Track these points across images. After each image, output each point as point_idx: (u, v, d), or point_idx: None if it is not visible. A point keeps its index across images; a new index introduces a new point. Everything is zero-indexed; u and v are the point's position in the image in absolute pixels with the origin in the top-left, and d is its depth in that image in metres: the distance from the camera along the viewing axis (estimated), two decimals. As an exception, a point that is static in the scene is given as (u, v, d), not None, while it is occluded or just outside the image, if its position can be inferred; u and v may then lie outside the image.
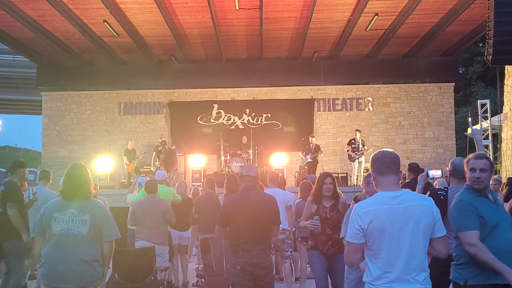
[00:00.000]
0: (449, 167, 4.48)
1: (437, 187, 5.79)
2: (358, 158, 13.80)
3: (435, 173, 5.89)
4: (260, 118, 16.62)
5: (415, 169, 7.18)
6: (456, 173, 4.41)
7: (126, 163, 14.47)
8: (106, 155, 14.48)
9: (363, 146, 13.84)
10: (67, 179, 3.89)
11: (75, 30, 13.46)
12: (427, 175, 5.25)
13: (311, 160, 13.76)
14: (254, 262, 4.26)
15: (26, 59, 17.67)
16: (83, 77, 17.00)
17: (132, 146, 14.74)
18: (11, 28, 13.88)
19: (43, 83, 17.32)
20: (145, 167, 15.07)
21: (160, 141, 14.17)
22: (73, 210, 3.76)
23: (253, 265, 4.26)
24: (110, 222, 3.89)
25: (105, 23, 13.02)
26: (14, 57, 19.98)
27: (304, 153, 14.06)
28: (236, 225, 4.29)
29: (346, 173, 14.28)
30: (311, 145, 14.04)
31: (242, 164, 13.81)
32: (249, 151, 14.22)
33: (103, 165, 14.17)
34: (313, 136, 14.40)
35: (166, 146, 13.94)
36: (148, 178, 8.55)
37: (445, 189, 4.39)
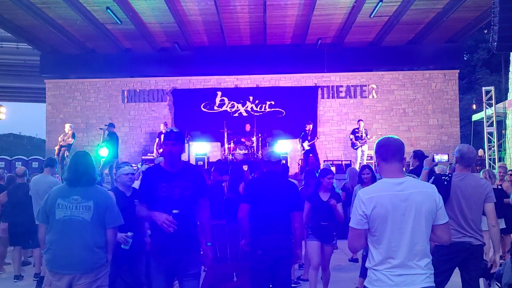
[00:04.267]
0: (456, 153, 4.46)
1: (437, 173, 5.78)
2: (361, 146, 13.79)
3: (441, 158, 5.80)
4: (263, 105, 16.60)
5: (420, 156, 7.14)
6: (463, 160, 4.38)
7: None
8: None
9: (366, 135, 13.84)
10: (72, 166, 3.91)
11: (78, 17, 13.44)
12: (433, 160, 5.20)
13: (308, 147, 13.72)
14: (275, 245, 4.33)
15: (30, 47, 17.68)
16: (86, 64, 17.03)
17: (69, 129, 14.13)
18: (14, 16, 13.88)
19: (47, 71, 17.33)
20: (148, 154, 15.16)
21: (164, 130, 14.22)
22: (77, 197, 3.78)
23: (274, 248, 4.33)
24: (113, 209, 3.91)
25: (108, 10, 13.00)
26: (17, 45, 19.93)
27: (300, 141, 14.00)
28: (259, 208, 4.35)
29: (350, 161, 14.28)
30: (307, 131, 13.94)
31: (245, 152, 13.84)
32: (253, 139, 14.22)
33: (106, 152, 14.16)
34: (309, 123, 14.22)
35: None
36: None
37: (449, 175, 4.38)
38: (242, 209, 4.45)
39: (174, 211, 3.59)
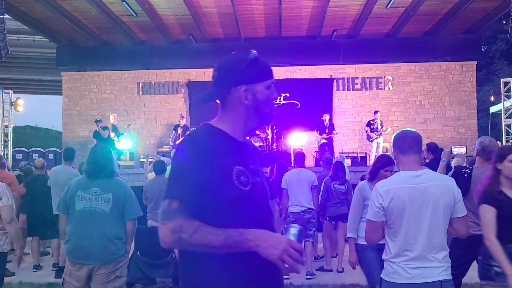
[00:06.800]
0: (477, 146, 4.41)
1: (457, 165, 5.72)
2: (376, 138, 13.72)
3: (459, 150, 5.66)
4: (278, 97, 16.54)
5: (434, 149, 7.07)
6: (484, 152, 4.34)
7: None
8: (125, 134, 14.62)
9: (382, 127, 13.75)
10: (91, 158, 3.96)
11: (94, 9, 13.51)
12: (451, 152, 5.13)
13: (325, 140, 13.68)
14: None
15: (46, 40, 17.80)
16: (102, 57, 17.13)
17: (114, 120, 14.45)
18: (31, 9, 13.99)
19: (63, 63, 17.46)
20: (164, 146, 15.22)
21: (182, 124, 14.32)
22: (96, 189, 3.83)
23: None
24: (132, 201, 3.96)
25: (124, 2, 13.03)
26: (33, 38, 20.07)
27: (318, 132, 13.99)
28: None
29: (365, 153, 14.20)
30: (325, 123, 13.90)
31: (260, 144, 13.84)
32: (268, 131, 14.20)
33: (122, 144, 14.30)
34: (326, 114, 14.20)
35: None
36: (168, 158, 8.64)
37: (470, 168, 4.34)
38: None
39: (295, 228, 1.66)
